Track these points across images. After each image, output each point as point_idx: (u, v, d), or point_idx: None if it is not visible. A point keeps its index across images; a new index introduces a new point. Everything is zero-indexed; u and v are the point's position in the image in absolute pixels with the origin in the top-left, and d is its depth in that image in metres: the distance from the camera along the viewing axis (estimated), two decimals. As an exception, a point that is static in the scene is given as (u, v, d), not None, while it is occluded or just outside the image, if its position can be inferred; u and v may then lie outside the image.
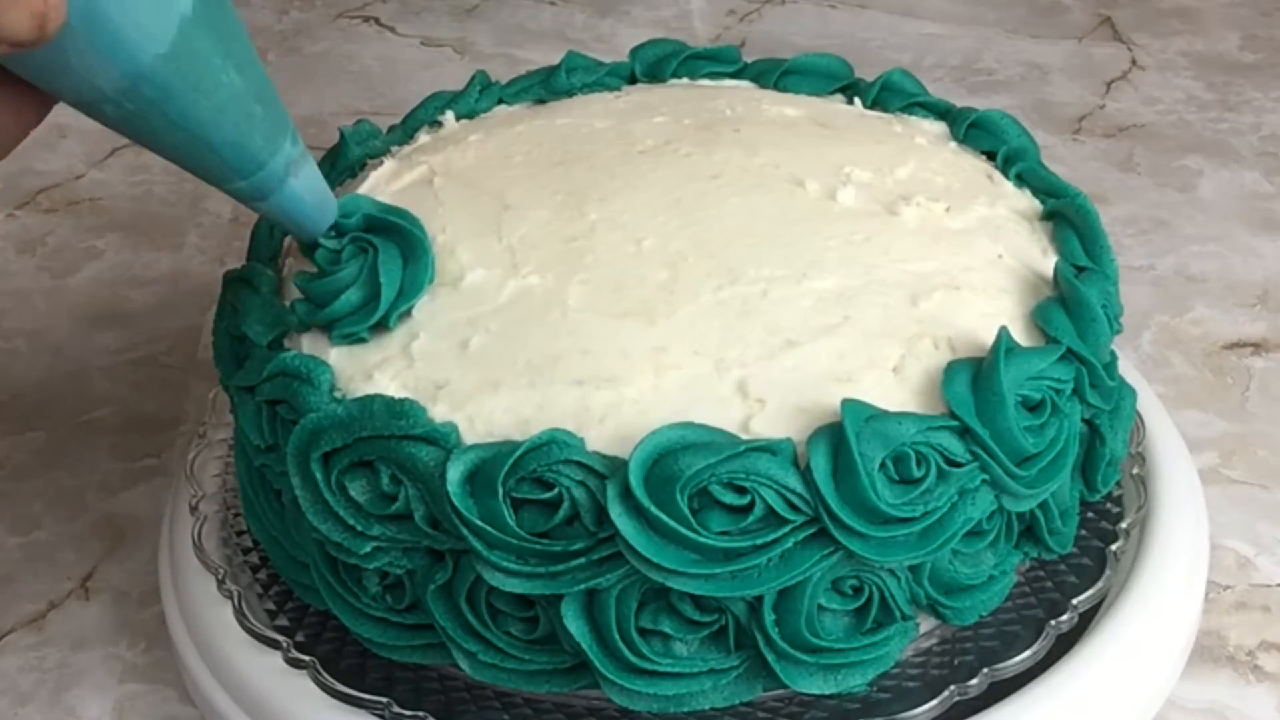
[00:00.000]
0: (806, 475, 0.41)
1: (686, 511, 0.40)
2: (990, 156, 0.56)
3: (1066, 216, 0.51)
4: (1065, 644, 0.48)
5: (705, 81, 0.62)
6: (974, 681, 0.45)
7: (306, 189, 0.45)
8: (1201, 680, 0.54)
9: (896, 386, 0.44)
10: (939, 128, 0.58)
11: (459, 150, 0.55)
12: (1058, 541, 0.48)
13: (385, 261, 0.46)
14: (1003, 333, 0.44)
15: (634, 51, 0.63)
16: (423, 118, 0.59)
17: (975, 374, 0.43)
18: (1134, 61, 0.98)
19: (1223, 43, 1.01)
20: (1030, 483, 0.44)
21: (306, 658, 0.47)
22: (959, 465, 0.43)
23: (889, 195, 0.51)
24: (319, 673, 0.47)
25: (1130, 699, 0.49)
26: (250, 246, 0.52)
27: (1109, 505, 0.52)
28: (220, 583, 0.50)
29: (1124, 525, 0.51)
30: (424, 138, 0.58)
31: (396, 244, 0.47)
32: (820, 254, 0.48)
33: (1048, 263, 0.50)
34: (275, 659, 0.48)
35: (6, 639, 0.58)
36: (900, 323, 0.45)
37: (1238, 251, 0.79)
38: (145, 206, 0.86)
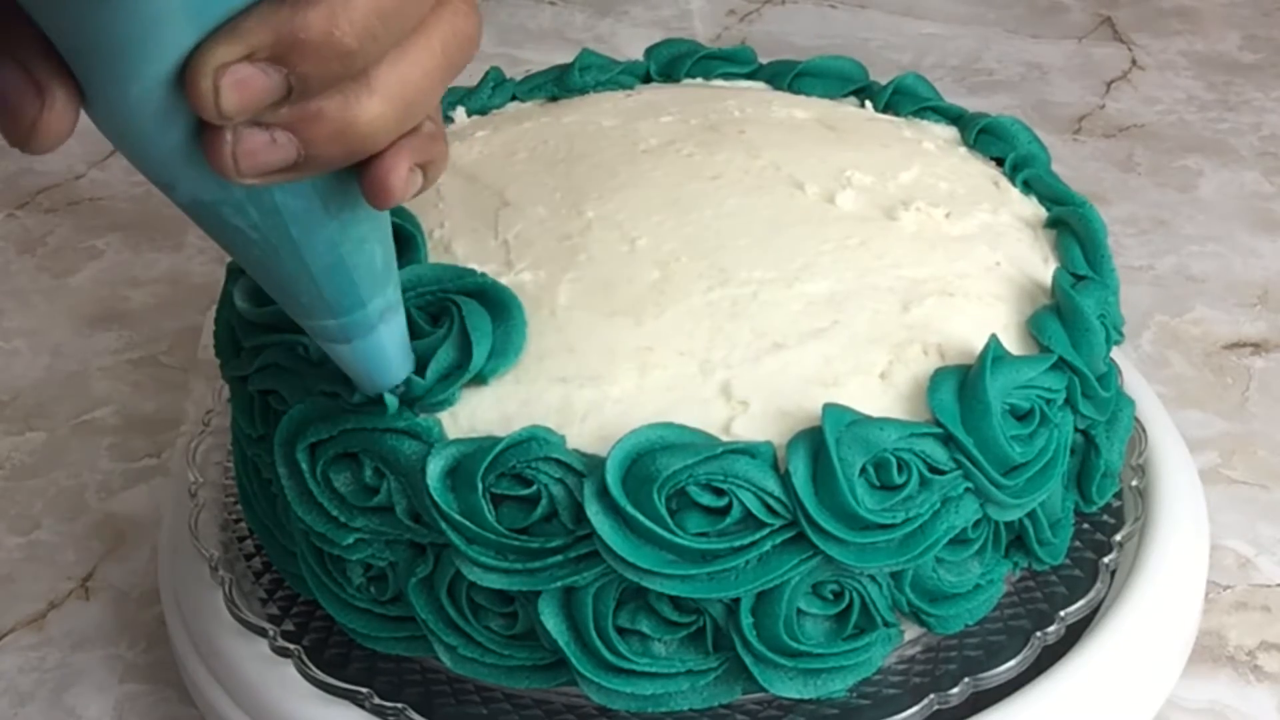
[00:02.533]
0: (785, 479, 0.41)
1: (664, 512, 0.40)
2: (1000, 163, 0.56)
3: (1069, 225, 0.51)
4: (1065, 643, 0.48)
5: (719, 82, 0.62)
6: (955, 690, 0.45)
7: (392, 338, 0.40)
8: (1201, 680, 0.54)
9: (882, 392, 0.43)
10: (950, 132, 0.58)
11: (464, 145, 0.55)
12: (1048, 552, 0.47)
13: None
14: (991, 340, 0.44)
15: (649, 51, 0.63)
16: (433, 113, 0.59)
17: (962, 381, 0.43)
18: (1134, 61, 0.98)
19: (1223, 43, 1.00)
20: (1017, 492, 0.44)
21: (292, 646, 0.47)
22: (942, 473, 0.42)
23: (889, 200, 0.50)
24: (302, 661, 0.47)
25: (1130, 699, 0.49)
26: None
27: (1106, 517, 0.52)
28: (213, 570, 0.50)
29: (1118, 538, 0.50)
30: (432, 133, 0.58)
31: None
32: (814, 257, 0.47)
33: (1048, 271, 0.49)
34: (263, 647, 0.48)
35: (6, 639, 0.58)
36: (890, 328, 0.45)
37: (1238, 251, 0.78)
38: (145, 206, 0.85)
